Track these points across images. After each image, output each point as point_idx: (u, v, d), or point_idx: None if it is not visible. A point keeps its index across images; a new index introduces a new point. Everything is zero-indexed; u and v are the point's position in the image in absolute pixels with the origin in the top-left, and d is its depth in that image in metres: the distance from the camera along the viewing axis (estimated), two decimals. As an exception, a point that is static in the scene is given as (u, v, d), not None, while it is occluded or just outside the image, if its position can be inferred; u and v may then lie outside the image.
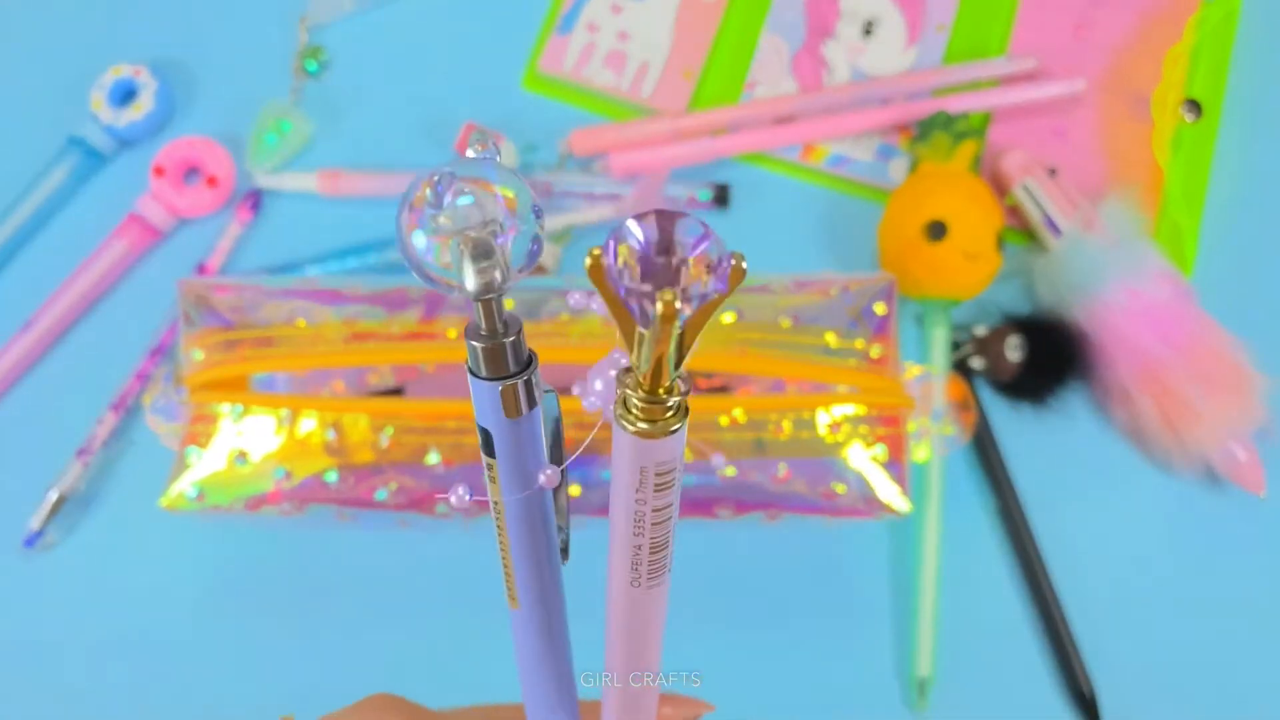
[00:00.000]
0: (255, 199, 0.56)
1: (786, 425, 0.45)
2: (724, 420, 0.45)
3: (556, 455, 0.23)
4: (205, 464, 0.46)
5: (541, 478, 0.21)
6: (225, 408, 0.46)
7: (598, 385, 0.20)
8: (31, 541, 0.51)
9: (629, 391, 0.19)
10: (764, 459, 0.45)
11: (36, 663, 0.51)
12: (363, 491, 0.45)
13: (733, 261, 0.17)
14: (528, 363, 0.20)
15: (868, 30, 0.57)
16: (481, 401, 0.20)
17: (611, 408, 0.20)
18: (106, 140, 0.57)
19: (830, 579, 0.50)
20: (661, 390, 0.19)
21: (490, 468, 0.22)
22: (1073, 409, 0.51)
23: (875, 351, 0.45)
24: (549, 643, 0.26)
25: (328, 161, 0.56)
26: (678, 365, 0.18)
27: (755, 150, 0.56)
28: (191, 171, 0.56)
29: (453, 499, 0.21)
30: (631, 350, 0.18)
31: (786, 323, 0.45)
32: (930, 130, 0.53)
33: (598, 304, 0.21)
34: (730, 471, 0.45)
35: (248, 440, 0.46)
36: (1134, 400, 0.49)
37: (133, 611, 0.51)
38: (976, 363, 0.51)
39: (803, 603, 0.50)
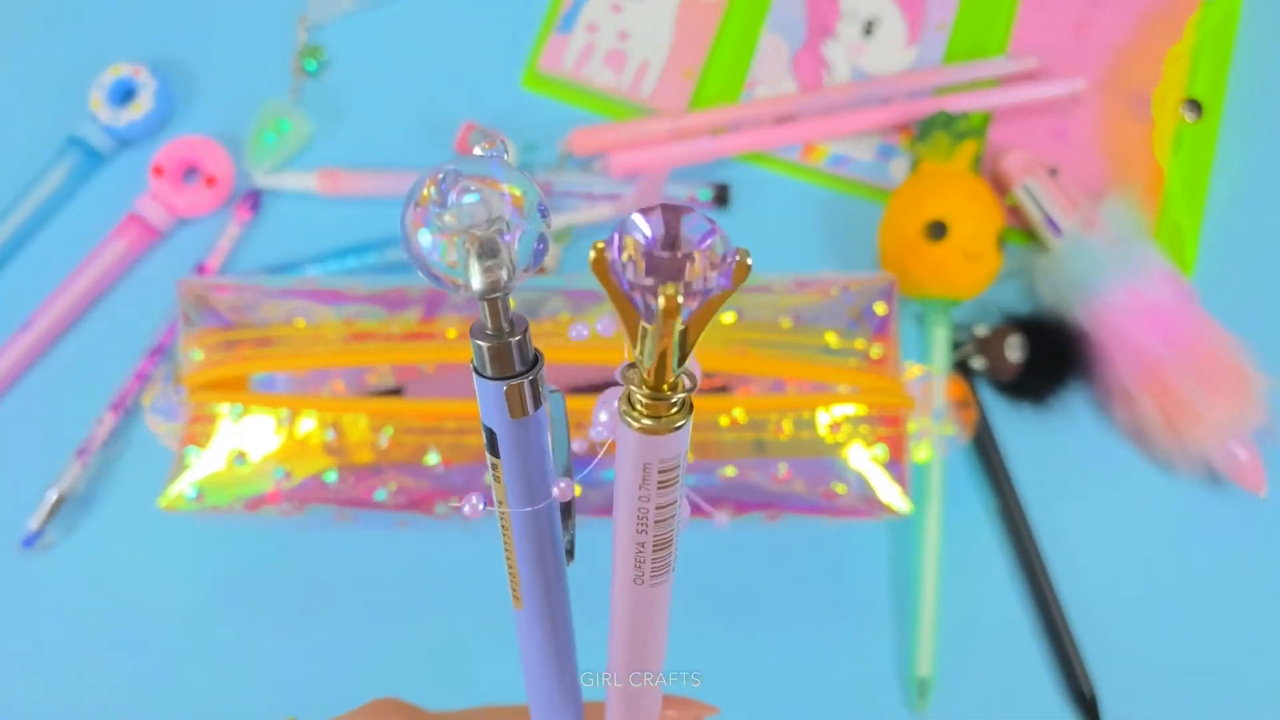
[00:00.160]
0: (254, 199, 0.56)
1: (787, 425, 0.45)
2: (724, 420, 0.45)
3: (561, 456, 0.23)
4: (204, 464, 0.46)
5: (555, 490, 0.21)
6: (224, 408, 0.46)
7: (603, 417, 0.20)
8: (30, 542, 0.51)
9: (633, 388, 0.19)
10: (764, 459, 0.45)
11: (36, 663, 0.51)
12: (362, 492, 0.45)
13: (738, 257, 0.17)
14: (534, 362, 0.20)
15: (868, 30, 0.57)
16: (487, 401, 0.20)
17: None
18: (106, 140, 0.57)
19: (830, 579, 0.50)
20: (666, 387, 0.19)
21: (495, 468, 0.22)
22: (1073, 409, 0.51)
23: (876, 351, 0.45)
24: (554, 643, 0.26)
25: (327, 161, 0.56)
26: (681, 361, 0.18)
27: (755, 150, 0.56)
28: (191, 171, 0.56)
29: (466, 509, 0.21)
30: (635, 345, 0.18)
31: (787, 323, 0.45)
32: (930, 130, 0.53)
33: (603, 326, 0.21)
34: (730, 471, 0.45)
35: (247, 440, 0.46)
36: (1135, 400, 0.49)
37: (131, 612, 0.51)
38: (977, 363, 0.51)
39: (803, 603, 0.50)
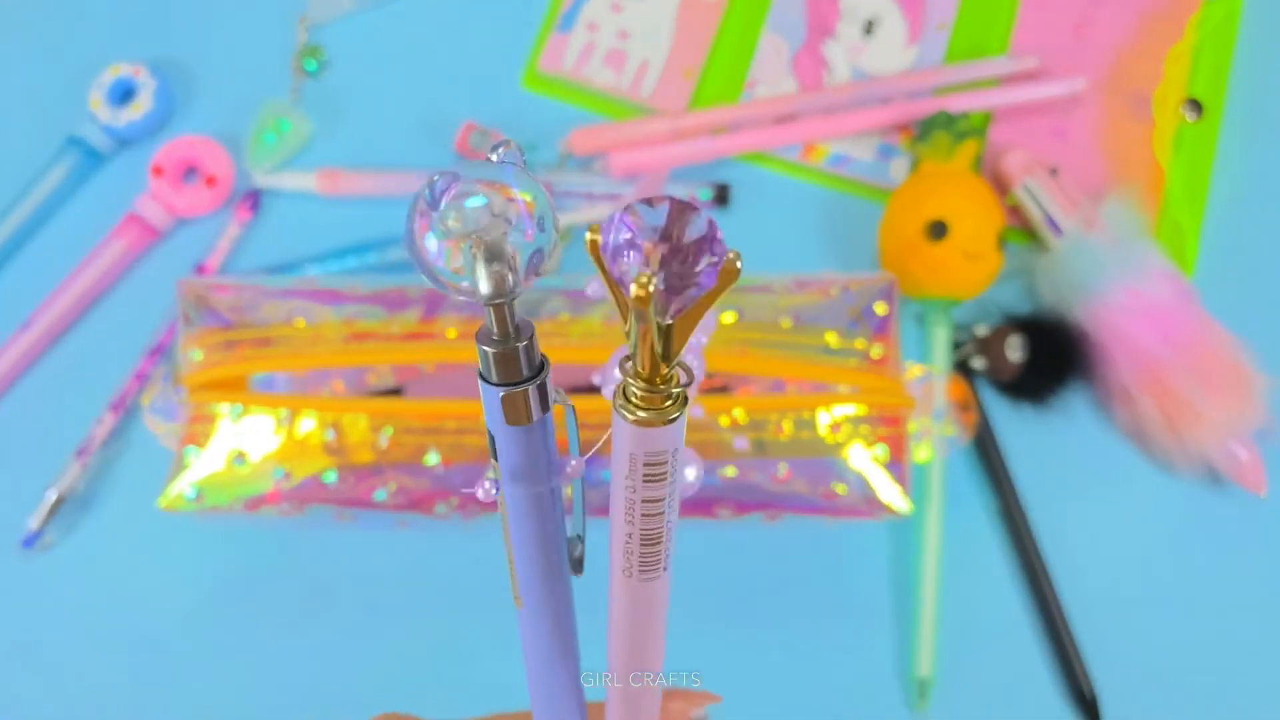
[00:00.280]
0: (254, 198, 0.56)
1: (787, 425, 0.45)
2: (724, 420, 0.45)
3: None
4: (204, 464, 0.46)
5: (568, 468, 0.22)
6: (224, 408, 0.46)
7: (617, 373, 0.20)
8: (30, 542, 0.51)
9: (629, 379, 0.19)
10: (764, 459, 0.45)
11: (36, 663, 0.51)
12: (362, 492, 0.45)
13: (727, 258, 0.17)
14: (540, 368, 0.20)
15: (868, 29, 0.57)
16: (491, 407, 0.20)
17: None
18: (105, 140, 0.56)
19: (830, 579, 0.50)
20: (659, 380, 0.19)
21: (497, 472, 0.22)
22: (1074, 409, 0.51)
23: (876, 351, 0.45)
24: (555, 644, 0.26)
25: (327, 161, 0.56)
26: (667, 356, 0.18)
27: (755, 150, 0.56)
28: (190, 171, 0.56)
29: (479, 493, 0.21)
30: (625, 331, 0.18)
31: (787, 323, 0.45)
32: (931, 130, 0.53)
33: (593, 290, 0.20)
34: (730, 471, 0.45)
35: (246, 440, 0.46)
36: (1135, 400, 0.49)
37: (131, 612, 0.51)
38: (977, 363, 0.51)
39: (803, 603, 0.50)
